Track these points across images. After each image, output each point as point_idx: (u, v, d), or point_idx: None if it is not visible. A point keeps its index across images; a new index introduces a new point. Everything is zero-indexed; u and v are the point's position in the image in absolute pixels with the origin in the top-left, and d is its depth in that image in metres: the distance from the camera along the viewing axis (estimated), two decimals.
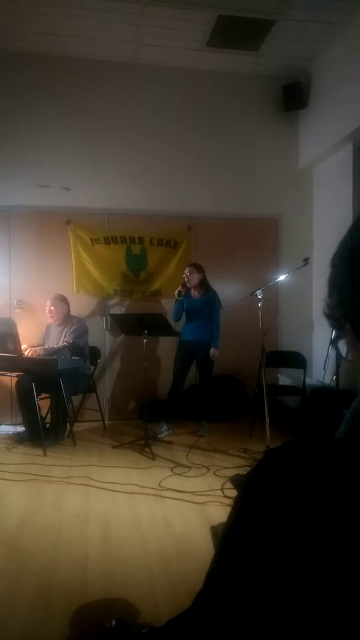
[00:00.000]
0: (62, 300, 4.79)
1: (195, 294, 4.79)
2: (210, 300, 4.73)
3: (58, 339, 4.71)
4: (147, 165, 5.44)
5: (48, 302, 4.75)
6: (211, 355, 4.66)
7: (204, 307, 4.72)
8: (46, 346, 4.65)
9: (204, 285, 4.78)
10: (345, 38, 4.70)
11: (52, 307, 4.73)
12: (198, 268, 4.78)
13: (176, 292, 4.75)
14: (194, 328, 4.76)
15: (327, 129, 5.06)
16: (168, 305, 5.35)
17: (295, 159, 5.77)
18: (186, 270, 4.78)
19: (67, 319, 4.78)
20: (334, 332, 0.58)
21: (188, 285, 4.75)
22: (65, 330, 4.71)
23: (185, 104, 5.51)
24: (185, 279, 4.75)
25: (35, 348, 4.56)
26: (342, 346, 0.56)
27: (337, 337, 0.56)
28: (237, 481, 3.51)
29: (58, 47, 5.07)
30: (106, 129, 5.37)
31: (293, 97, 5.47)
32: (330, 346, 4.71)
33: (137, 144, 5.43)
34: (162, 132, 5.47)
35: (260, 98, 5.65)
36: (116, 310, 5.45)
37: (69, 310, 4.83)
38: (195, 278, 4.74)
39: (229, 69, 5.49)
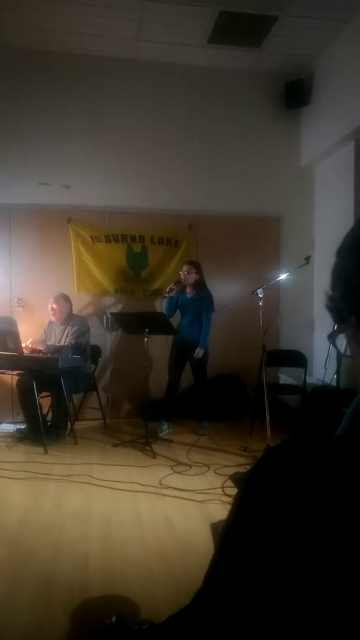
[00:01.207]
0: (65, 299, 4.79)
1: (189, 291, 4.79)
2: (202, 299, 4.72)
3: (60, 338, 4.71)
4: (147, 163, 5.44)
5: (51, 300, 4.75)
6: (195, 354, 4.64)
7: (196, 305, 4.72)
8: (49, 342, 4.65)
9: (199, 284, 4.78)
10: (348, 35, 4.68)
11: (54, 306, 4.72)
12: (196, 267, 4.77)
13: (167, 289, 4.75)
14: (187, 326, 4.75)
15: (329, 127, 5.05)
16: (162, 301, 5.35)
17: (296, 157, 5.75)
18: (184, 268, 4.77)
19: (69, 318, 4.78)
20: (335, 326, 0.57)
21: (184, 284, 4.75)
22: (67, 329, 4.71)
23: (186, 101, 5.50)
24: (182, 277, 4.75)
25: (37, 343, 4.56)
26: (341, 341, 0.56)
27: (337, 331, 0.55)
28: (237, 479, 3.51)
29: (58, 43, 5.06)
30: (106, 126, 5.36)
31: (295, 94, 5.46)
32: (329, 341, 4.70)
33: (138, 142, 5.42)
34: (162, 130, 5.46)
35: (262, 95, 5.63)
36: (117, 309, 5.45)
37: (71, 309, 4.83)
38: (192, 278, 4.73)
39: (230, 65, 5.48)
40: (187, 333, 4.72)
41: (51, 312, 4.75)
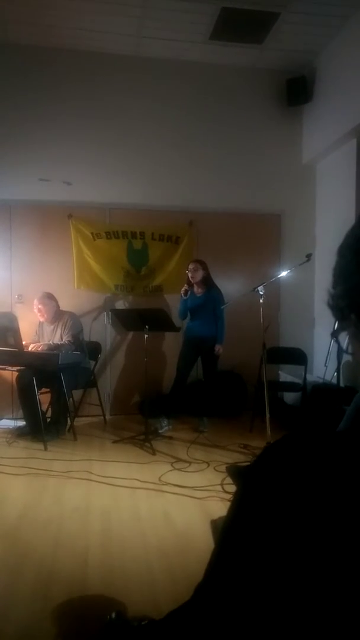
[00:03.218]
0: (50, 297, 4.72)
1: (198, 290, 4.79)
2: (213, 296, 4.72)
3: (52, 337, 4.68)
4: (148, 160, 5.43)
5: (35, 302, 4.69)
6: (216, 351, 4.67)
7: (207, 304, 4.72)
8: (50, 342, 4.63)
9: (207, 282, 4.77)
10: (351, 31, 4.66)
11: (40, 307, 4.66)
12: (202, 265, 4.77)
13: (182, 291, 4.74)
14: (199, 324, 4.75)
15: (331, 124, 5.04)
16: (169, 301, 5.35)
17: (298, 154, 5.74)
18: (190, 267, 4.76)
19: (58, 315, 4.73)
20: (336, 324, 0.57)
21: (192, 282, 4.75)
22: (59, 328, 4.67)
23: (188, 98, 5.48)
24: (190, 275, 4.74)
25: (39, 344, 4.55)
26: (343, 338, 0.56)
27: (339, 329, 0.55)
28: (233, 472, 3.51)
29: (59, 39, 5.04)
30: (107, 122, 5.35)
31: (297, 91, 5.44)
32: (332, 338, 4.70)
33: (139, 138, 5.41)
34: (164, 126, 5.45)
35: (264, 92, 5.62)
36: (117, 306, 5.45)
37: (58, 306, 4.76)
38: (199, 275, 4.72)
39: (232, 62, 5.46)
40: (201, 331, 4.72)
41: (38, 314, 4.71)
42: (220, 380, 5.27)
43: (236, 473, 3.46)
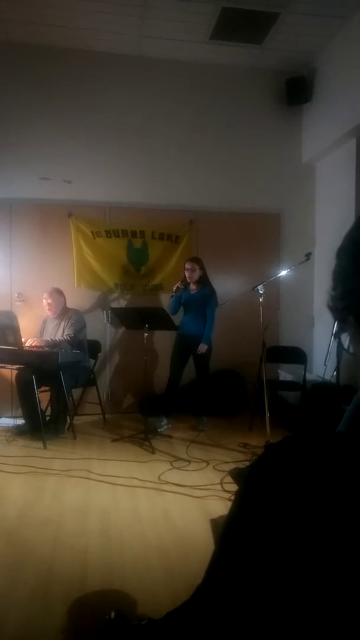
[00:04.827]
0: (59, 293, 4.79)
1: (193, 287, 4.78)
2: (206, 295, 4.72)
3: (55, 332, 4.70)
4: (148, 159, 5.43)
5: (45, 295, 4.75)
6: (198, 350, 4.64)
7: (200, 302, 4.71)
8: (48, 338, 4.64)
9: (203, 280, 4.77)
10: (350, 32, 4.66)
11: (49, 300, 4.73)
12: (199, 263, 4.77)
13: (174, 288, 4.74)
14: (191, 322, 4.75)
15: (330, 123, 5.04)
16: (169, 300, 5.35)
17: (298, 153, 5.74)
18: (187, 265, 4.76)
19: (64, 311, 4.78)
20: (336, 325, 0.57)
21: (188, 281, 4.74)
22: (62, 323, 4.71)
23: (188, 97, 5.48)
24: (187, 274, 4.73)
25: (37, 340, 4.55)
26: (345, 339, 0.56)
27: (340, 330, 0.56)
28: (236, 474, 3.51)
29: (60, 38, 5.04)
30: (108, 121, 5.35)
31: (297, 91, 5.44)
32: (333, 340, 4.71)
33: (139, 137, 5.40)
34: (164, 125, 5.45)
35: (264, 92, 5.62)
36: (117, 304, 5.45)
37: (65, 303, 4.84)
38: (197, 275, 4.72)
39: (232, 62, 5.46)
40: (191, 329, 4.71)
41: (47, 307, 4.75)
42: (220, 379, 5.27)
43: (239, 475, 3.47)
